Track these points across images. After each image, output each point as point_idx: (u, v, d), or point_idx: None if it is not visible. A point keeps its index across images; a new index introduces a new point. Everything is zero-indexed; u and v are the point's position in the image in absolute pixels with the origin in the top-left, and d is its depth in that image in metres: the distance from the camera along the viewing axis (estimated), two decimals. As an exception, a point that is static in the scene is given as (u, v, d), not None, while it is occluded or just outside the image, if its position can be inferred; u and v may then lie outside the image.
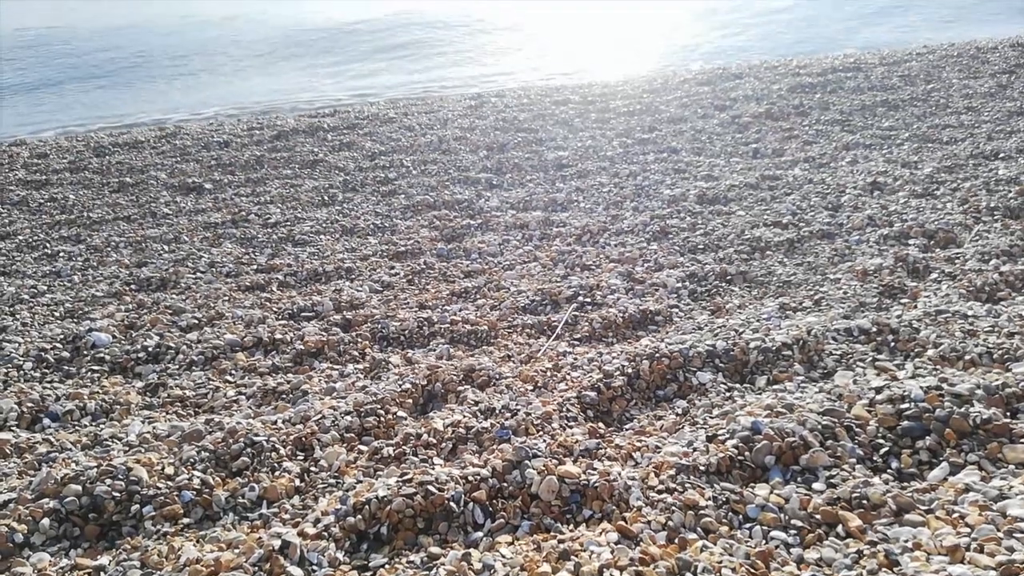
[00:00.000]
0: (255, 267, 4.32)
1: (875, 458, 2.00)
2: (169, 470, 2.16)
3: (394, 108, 8.90)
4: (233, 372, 3.07)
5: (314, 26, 16.66)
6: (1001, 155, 5.10)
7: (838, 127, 6.38)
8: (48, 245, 4.90)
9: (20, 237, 5.06)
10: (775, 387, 2.52)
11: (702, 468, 1.99)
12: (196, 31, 16.80)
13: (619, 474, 1.98)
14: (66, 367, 3.15)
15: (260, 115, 9.32)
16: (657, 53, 12.57)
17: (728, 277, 3.65)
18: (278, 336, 3.30)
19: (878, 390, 2.23)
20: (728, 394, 2.52)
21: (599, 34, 14.96)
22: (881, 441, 2.04)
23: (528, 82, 11.16)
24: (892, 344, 2.69)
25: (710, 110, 7.45)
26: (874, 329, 2.78)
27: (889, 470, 1.97)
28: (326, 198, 5.60)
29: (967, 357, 2.49)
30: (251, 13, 19.71)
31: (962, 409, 2.06)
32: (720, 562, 1.64)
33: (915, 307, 3.01)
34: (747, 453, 2.02)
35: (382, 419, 2.50)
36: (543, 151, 6.43)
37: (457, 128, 7.50)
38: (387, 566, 1.77)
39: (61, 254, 4.71)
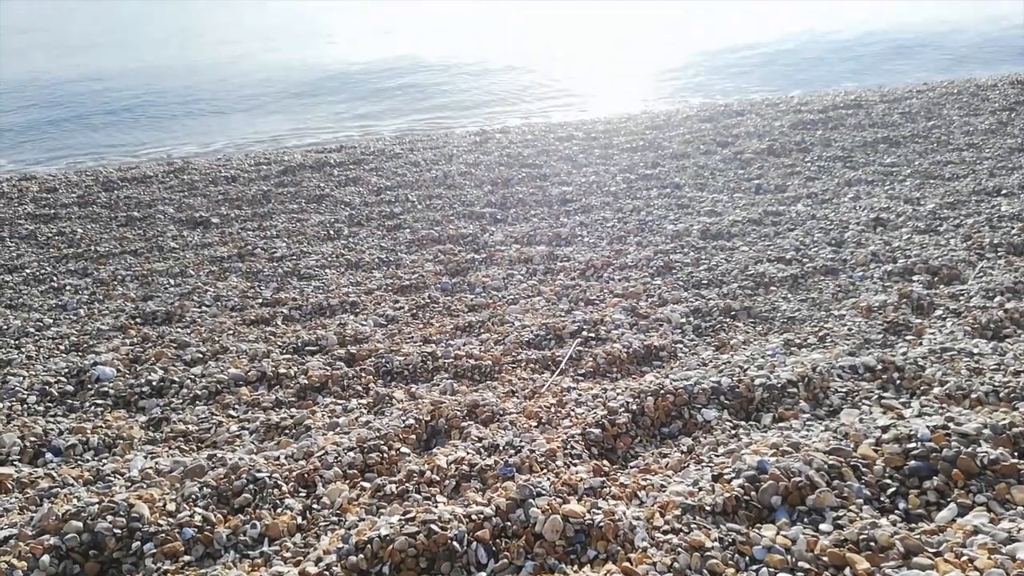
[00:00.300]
0: (260, 301, 4.34)
1: (882, 498, 1.98)
2: (171, 506, 2.15)
3: (400, 144, 9.00)
4: (236, 407, 3.06)
5: (321, 68, 16.97)
6: (1003, 191, 5.13)
7: (840, 163, 6.44)
8: (55, 278, 4.93)
9: (28, 270, 5.10)
10: (780, 425, 2.51)
11: (708, 508, 1.97)
12: (207, 72, 17.11)
13: (624, 513, 1.96)
14: (70, 401, 3.15)
15: (267, 150, 9.43)
16: (659, 90, 12.74)
17: (732, 313, 3.65)
18: (282, 370, 3.30)
19: (884, 429, 2.21)
20: (733, 431, 2.50)
21: (601, 72, 15.19)
22: (888, 481, 2.02)
23: (532, 115, 11.30)
24: (898, 382, 2.68)
25: (712, 146, 7.53)
26: (879, 366, 2.77)
27: (896, 511, 1.95)
28: (332, 232, 5.64)
29: (973, 395, 2.48)
30: (259, 54, 20.09)
31: (969, 449, 2.05)
32: (727, 605, 1.61)
33: (920, 344, 3.00)
34: (753, 493, 2.01)
35: (385, 455, 2.49)
36: (547, 186, 6.49)
37: (462, 163, 7.57)
38: (389, 607, 1.75)
39: (68, 287, 4.74)
